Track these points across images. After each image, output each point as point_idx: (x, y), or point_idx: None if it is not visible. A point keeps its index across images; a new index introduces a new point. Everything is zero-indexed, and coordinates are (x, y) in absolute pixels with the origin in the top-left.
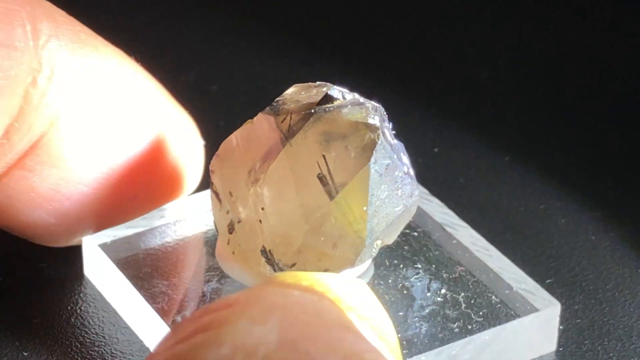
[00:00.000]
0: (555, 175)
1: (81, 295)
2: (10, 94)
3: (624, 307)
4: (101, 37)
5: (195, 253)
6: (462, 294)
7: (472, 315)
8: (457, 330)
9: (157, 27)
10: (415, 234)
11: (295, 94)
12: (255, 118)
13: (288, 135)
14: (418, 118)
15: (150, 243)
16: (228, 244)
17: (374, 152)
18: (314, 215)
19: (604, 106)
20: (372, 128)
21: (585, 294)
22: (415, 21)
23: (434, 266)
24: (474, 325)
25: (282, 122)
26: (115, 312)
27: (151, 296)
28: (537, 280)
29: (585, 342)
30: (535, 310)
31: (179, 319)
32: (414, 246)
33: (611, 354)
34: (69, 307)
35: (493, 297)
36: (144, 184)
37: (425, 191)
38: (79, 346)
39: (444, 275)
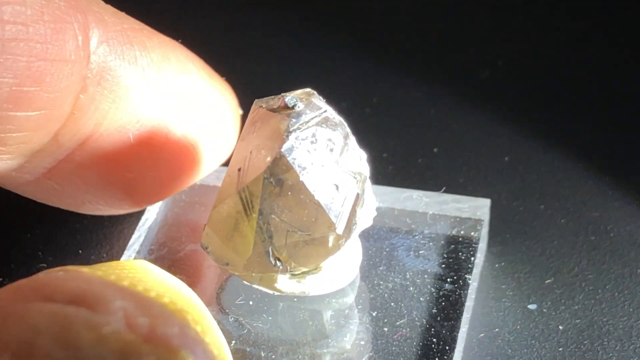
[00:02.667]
0: (555, 175)
1: None
2: (60, 104)
3: (624, 307)
4: (148, 28)
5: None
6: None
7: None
8: None
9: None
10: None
11: (289, 94)
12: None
13: (249, 126)
14: (418, 118)
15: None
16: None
17: (271, 164)
18: (221, 202)
19: (604, 105)
20: (281, 140)
21: (585, 294)
22: (415, 20)
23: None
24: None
25: (253, 112)
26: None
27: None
28: (535, 280)
29: (585, 342)
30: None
31: None
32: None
33: (611, 354)
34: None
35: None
36: (184, 161)
37: None
38: None
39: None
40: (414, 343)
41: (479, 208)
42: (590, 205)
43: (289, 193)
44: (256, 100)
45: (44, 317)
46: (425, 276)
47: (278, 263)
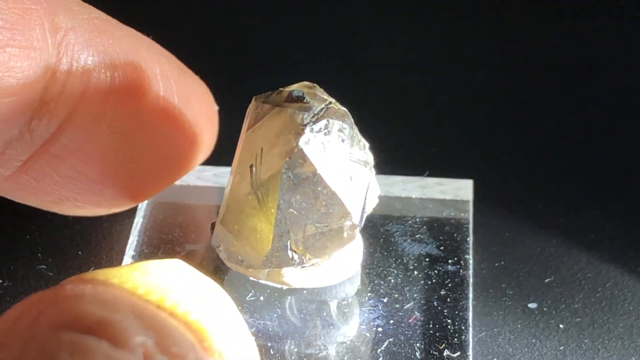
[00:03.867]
0: (554, 174)
1: None
2: (30, 91)
3: (624, 306)
4: (115, 20)
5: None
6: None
7: None
8: None
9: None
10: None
11: (290, 89)
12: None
13: (254, 123)
14: (415, 117)
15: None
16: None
17: (289, 159)
18: (235, 200)
19: (601, 105)
20: (297, 134)
21: (585, 293)
22: (412, 20)
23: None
24: None
25: (255, 108)
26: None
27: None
28: (536, 279)
29: (586, 340)
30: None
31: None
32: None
33: (611, 353)
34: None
35: None
36: (163, 157)
37: None
38: None
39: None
40: (429, 326)
41: (461, 189)
42: (589, 204)
43: (307, 186)
44: (255, 96)
45: (64, 347)
46: (427, 259)
47: (295, 256)
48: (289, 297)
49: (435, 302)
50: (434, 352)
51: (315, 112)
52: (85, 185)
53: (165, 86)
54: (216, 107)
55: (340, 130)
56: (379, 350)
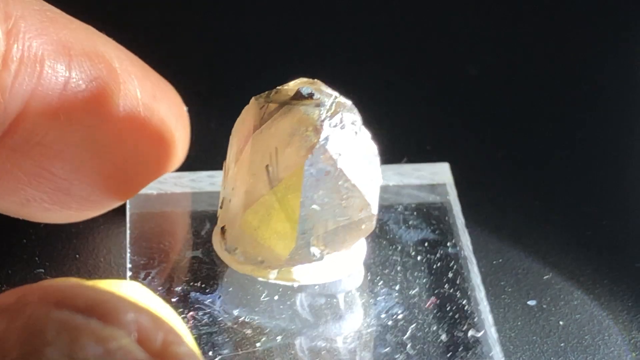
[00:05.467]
0: (549, 171)
1: None
2: None
3: (622, 302)
4: (69, 15)
5: (201, 225)
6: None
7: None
8: None
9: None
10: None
11: (290, 86)
12: (258, 100)
13: (260, 123)
14: (409, 116)
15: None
16: (217, 223)
17: (311, 155)
18: (253, 203)
19: (597, 100)
20: (316, 130)
21: (584, 289)
22: (404, 18)
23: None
24: None
25: (260, 109)
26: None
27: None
28: (534, 277)
29: (586, 336)
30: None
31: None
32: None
33: (612, 349)
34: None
35: None
36: (131, 155)
37: None
38: None
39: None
40: (447, 308)
41: (438, 173)
42: (585, 200)
43: (329, 181)
44: (254, 97)
45: (53, 324)
46: (426, 244)
47: (317, 252)
48: (301, 294)
49: (446, 285)
50: (459, 334)
51: (327, 107)
52: (51, 184)
53: (126, 80)
54: (185, 108)
55: (352, 123)
56: (405, 337)
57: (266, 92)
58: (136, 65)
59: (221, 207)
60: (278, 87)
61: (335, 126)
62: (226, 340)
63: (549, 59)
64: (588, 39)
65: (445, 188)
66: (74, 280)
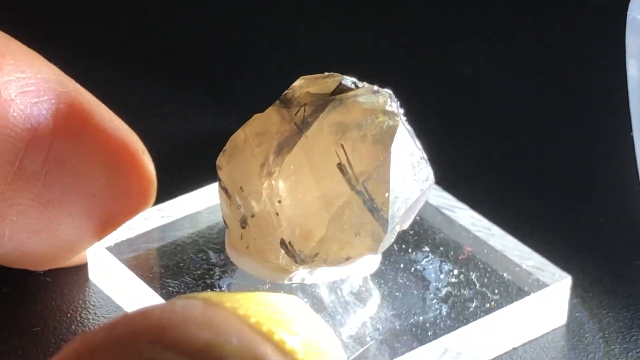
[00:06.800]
0: (544, 169)
1: (81, 302)
2: None
3: (622, 300)
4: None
5: (202, 250)
6: (473, 273)
7: (488, 294)
8: (474, 309)
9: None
10: (418, 217)
11: (304, 86)
12: (265, 112)
13: (303, 127)
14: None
15: (155, 243)
16: (241, 239)
17: (394, 138)
18: (335, 205)
19: (594, 99)
20: (391, 115)
21: (584, 288)
22: (398, 18)
23: (441, 248)
24: (491, 304)
25: (295, 114)
26: (117, 312)
27: (166, 296)
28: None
29: (587, 335)
30: (546, 285)
31: None
32: (418, 230)
33: (613, 347)
34: (69, 315)
35: (505, 274)
36: (89, 199)
37: None
38: None
39: (452, 257)
40: (485, 251)
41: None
42: (582, 199)
43: (407, 159)
44: (275, 108)
45: None
46: (418, 218)
47: (396, 233)
48: (349, 284)
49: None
50: (515, 268)
51: (381, 92)
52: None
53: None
54: (143, 148)
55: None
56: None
57: (282, 98)
58: (80, 90)
59: (244, 227)
60: (287, 91)
61: (397, 107)
62: None
63: (546, 58)
64: (587, 39)
65: None
66: (213, 299)
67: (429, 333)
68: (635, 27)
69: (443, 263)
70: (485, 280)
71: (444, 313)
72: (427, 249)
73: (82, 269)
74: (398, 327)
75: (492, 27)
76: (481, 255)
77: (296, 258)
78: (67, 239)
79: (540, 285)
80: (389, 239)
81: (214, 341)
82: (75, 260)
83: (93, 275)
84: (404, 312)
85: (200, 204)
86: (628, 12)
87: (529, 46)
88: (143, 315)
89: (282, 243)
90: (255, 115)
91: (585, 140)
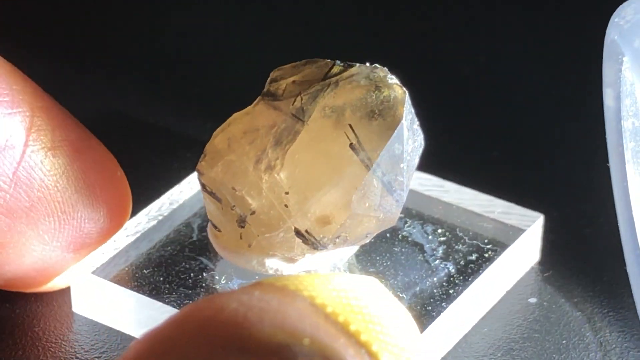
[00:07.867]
0: (543, 169)
1: (65, 328)
2: None
3: (622, 299)
4: None
5: (192, 257)
6: (457, 228)
7: (481, 245)
8: (476, 260)
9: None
10: None
11: (285, 76)
12: (248, 109)
13: (301, 115)
14: None
15: (140, 258)
16: (241, 238)
17: (404, 108)
18: (353, 186)
19: (590, 98)
20: (394, 87)
21: (583, 287)
22: (397, 17)
23: (413, 212)
24: (489, 253)
25: (292, 104)
26: (106, 342)
27: (176, 305)
28: (534, 274)
29: (587, 334)
30: (526, 226)
31: None
32: None
33: (614, 345)
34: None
35: (484, 223)
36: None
37: None
38: None
39: (428, 217)
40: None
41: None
42: (582, 198)
43: (417, 136)
44: (266, 101)
45: None
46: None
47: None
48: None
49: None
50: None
51: (374, 69)
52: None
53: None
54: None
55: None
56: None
57: (267, 92)
58: (56, 105)
59: (242, 226)
60: (270, 85)
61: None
62: None
63: (545, 58)
64: (587, 39)
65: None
66: (276, 285)
67: (451, 291)
68: (611, 54)
69: (423, 225)
70: (470, 233)
71: (452, 270)
72: (401, 214)
73: (64, 297)
74: (419, 291)
75: (491, 27)
76: (455, 211)
77: (316, 244)
78: (37, 255)
79: (519, 229)
80: (402, 207)
81: (287, 342)
82: (57, 284)
83: (77, 306)
84: (416, 277)
85: (178, 207)
86: (606, 35)
87: (529, 46)
88: (218, 307)
89: (298, 232)
90: (235, 115)
91: (588, 139)
